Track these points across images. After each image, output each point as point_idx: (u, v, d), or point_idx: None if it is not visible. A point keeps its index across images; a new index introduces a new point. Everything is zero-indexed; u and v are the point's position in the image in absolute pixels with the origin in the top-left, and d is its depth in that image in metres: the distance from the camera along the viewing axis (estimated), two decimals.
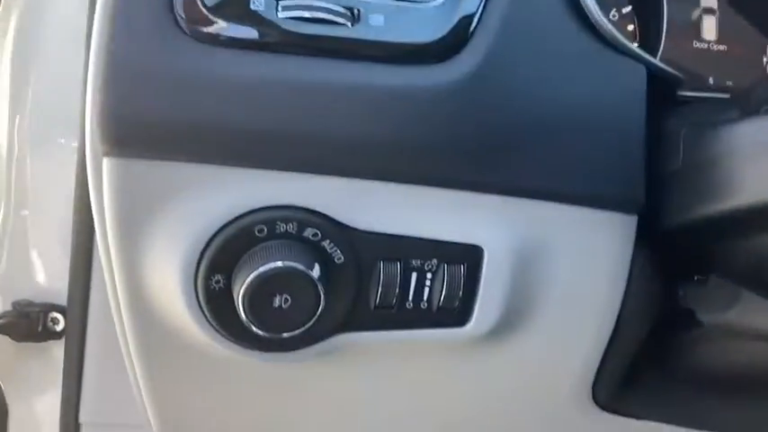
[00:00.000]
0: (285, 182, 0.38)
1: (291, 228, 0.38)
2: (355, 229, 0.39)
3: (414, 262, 0.40)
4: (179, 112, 0.36)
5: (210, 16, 0.37)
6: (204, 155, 0.37)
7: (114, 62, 0.36)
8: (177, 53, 0.37)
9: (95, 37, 0.37)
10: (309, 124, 0.37)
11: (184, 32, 0.37)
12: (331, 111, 0.38)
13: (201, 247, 0.38)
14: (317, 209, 0.38)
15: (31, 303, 0.65)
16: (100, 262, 0.43)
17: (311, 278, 0.37)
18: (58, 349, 0.65)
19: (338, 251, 0.39)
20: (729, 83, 0.57)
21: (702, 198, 0.40)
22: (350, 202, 0.39)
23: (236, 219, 0.38)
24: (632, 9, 0.58)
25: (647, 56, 0.43)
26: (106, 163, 0.37)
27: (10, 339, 0.65)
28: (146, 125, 0.36)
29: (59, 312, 0.65)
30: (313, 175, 0.38)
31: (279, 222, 0.38)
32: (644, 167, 0.42)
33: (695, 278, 0.47)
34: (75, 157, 0.64)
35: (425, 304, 0.41)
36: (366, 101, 0.38)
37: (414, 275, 0.40)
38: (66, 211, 0.64)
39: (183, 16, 0.37)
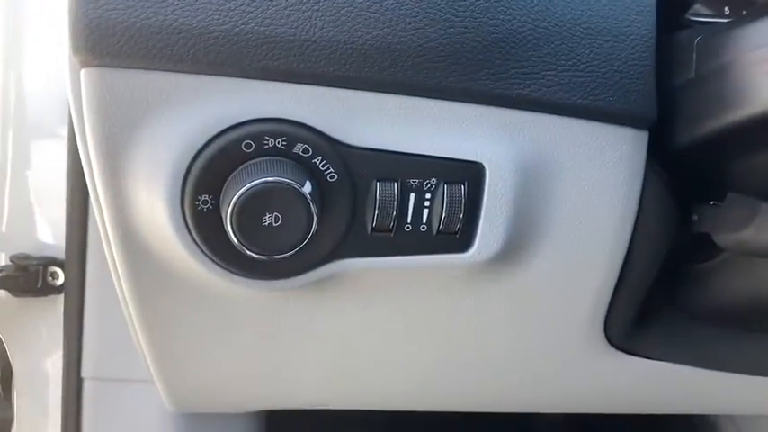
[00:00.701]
0: (272, 93, 0.36)
1: (281, 143, 0.36)
2: (348, 146, 0.37)
3: (411, 181, 0.38)
4: (155, 14, 0.34)
5: None
6: (184, 62, 0.35)
7: None
8: None
9: None
10: (294, 26, 0.35)
11: None
12: (316, 11, 0.35)
13: (186, 164, 0.36)
14: (308, 123, 0.36)
15: (29, 257, 0.64)
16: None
17: (303, 195, 0.35)
18: (60, 304, 0.64)
19: (331, 168, 0.37)
20: (744, 12, 0.54)
21: (718, 107, 0.38)
22: (342, 116, 0.37)
23: (222, 133, 0.36)
24: None
25: None
26: (84, 75, 0.35)
27: (11, 295, 0.64)
28: (121, 29, 0.34)
29: (58, 266, 0.64)
30: (301, 86, 0.36)
31: (267, 137, 0.36)
32: (654, 79, 0.40)
33: (710, 203, 0.44)
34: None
35: (425, 227, 0.39)
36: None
37: (412, 196, 0.38)
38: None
39: None
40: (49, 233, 0.66)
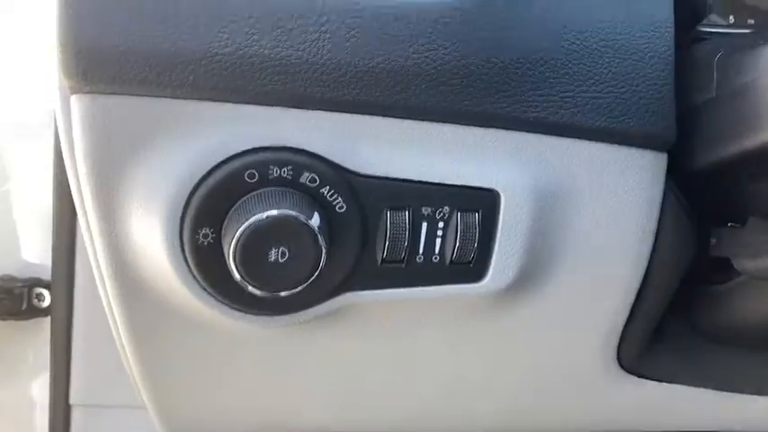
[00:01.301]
0: (277, 119, 0.34)
1: (286, 172, 0.34)
2: (357, 174, 0.35)
3: (424, 210, 0.36)
4: (153, 37, 0.32)
5: None
6: (184, 88, 0.33)
7: None
8: None
9: None
10: (302, 49, 0.33)
11: None
12: (324, 32, 0.33)
13: (186, 196, 0.33)
14: (314, 150, 0.34)
15: (13, 278, 0.61)
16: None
17: (310, 228, 0.33)
18: (46, 326, 0.61)
19: (339, 198, 0.35)
20: (750, 21, 0.53)
21: (741, 129, 0.36)
22: (351, 142, 0.35)
23: (224, 162, 0.33)
24: None
25: None
26: (75, 101, 0.33)
27: None
28: (116, 54, 0.32)
29: (44, 288, 0.61)
30: (308, 111, 0.34)
31: (272, 166, 0.34)
32: (674, 99, 0.38)
33: (728, 224, 0.43)
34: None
35: (437, 258, 0.37)
36: (362, 20, 0.33)
37: (424, 225, 0.36)
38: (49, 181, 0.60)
39: None
40: (34, 252, 0.64)
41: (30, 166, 0.65)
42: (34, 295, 0.61)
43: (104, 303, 0.42)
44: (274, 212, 0.32)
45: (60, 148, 0.58)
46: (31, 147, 0.65)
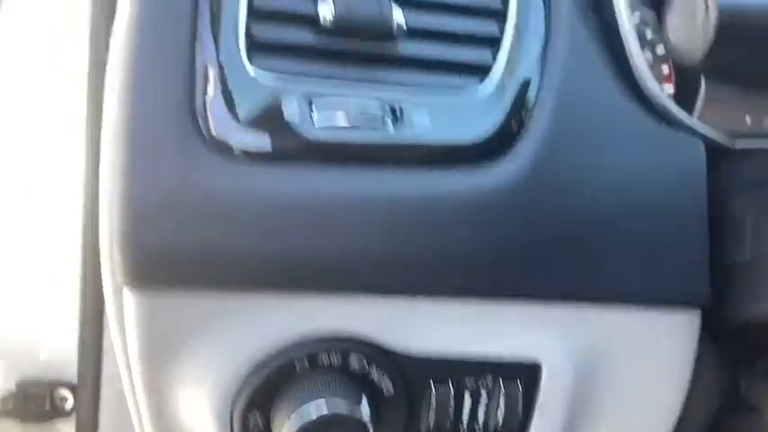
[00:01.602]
0: (325, 307, 0.34)
1: (335, 360, 0.34)
2: (403, 355, 0.36)
3: (467, 382, 0.37)
4: (209, 237, 0.33)
5: (242, 131, 0.33)
6: (237, 283, 0.34)
7: (134, 184, 0.32)
8: (204, 172, 0.33)
9: (110, 151, 0.33)
10: (350, 242, 0.34)
11: (212, 149, 0.33)
12: (372, 225, 0.34)
13: (237, 386, 0.34)
14: (361, 335, 0.35)
15: (38, 382, 0.61)
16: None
17: (360, 420, 0.33)
18: (66, 428, 0.61)
19: (386, 379, 0.35)
20: (767, 120, 0.54)
21: None
22: (396, 325, 0.35)
23: (275, 354, 0.34)
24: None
25: (703, 129, 0.40)
26: (128, 295, 0.33)
27: (14, 421, 0.61)
28: (172, 253, 0.33)
29: (68, 389, 0.61)
30: (355, 298, 0.35)
31: (321, 354, 0.34)
32: (708, 258, 0.39)
33: (758, 366, 0.43)
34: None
35: (481, 427, 0.37)
36: (408, 211, 0.34)
37: (467, 396, 0.37)
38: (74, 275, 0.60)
39: (213, 132, 0.33)
40: (55, 350, 0.63)
41: (55, 254, 0.65)
42: (57, 397, 0.61)
43: None
44: (324, 411, 0.32)
45: (88, 241, 0.58)
46: (56, 229, 0.65)
